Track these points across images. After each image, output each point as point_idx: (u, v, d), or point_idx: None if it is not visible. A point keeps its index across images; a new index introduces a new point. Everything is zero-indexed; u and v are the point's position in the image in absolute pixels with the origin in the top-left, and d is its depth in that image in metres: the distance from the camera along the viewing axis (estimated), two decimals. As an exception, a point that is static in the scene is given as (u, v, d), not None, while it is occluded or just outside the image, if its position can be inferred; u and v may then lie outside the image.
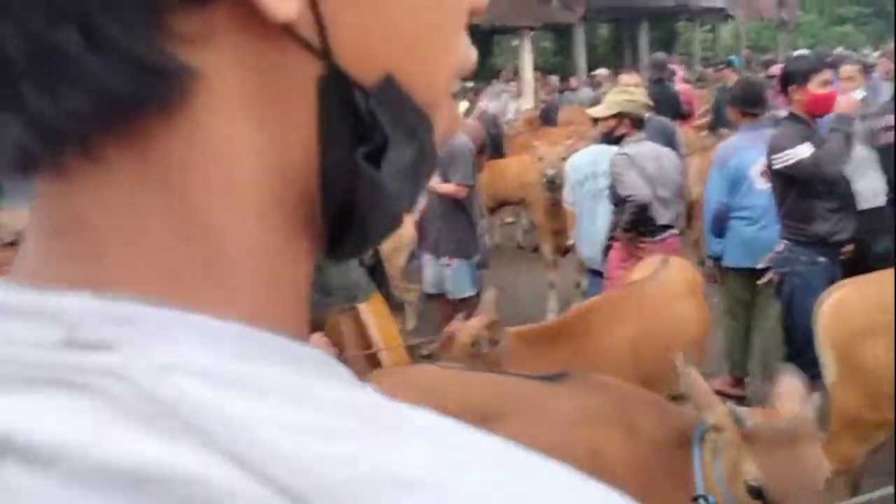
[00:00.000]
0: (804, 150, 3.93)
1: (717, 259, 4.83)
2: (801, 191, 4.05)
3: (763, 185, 4.53)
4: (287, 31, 0.34)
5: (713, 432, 2.05)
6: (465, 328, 3.26)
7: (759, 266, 4.46)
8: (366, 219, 0.37)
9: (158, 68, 0.32)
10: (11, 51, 0.31)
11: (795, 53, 11.09)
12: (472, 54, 0.43)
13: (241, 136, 0.35)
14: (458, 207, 5.11)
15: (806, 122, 4.13)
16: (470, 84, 13.03)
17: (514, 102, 13.19)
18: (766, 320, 4.68)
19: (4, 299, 0.34)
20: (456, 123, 0.44)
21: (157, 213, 0.34)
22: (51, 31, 0.31)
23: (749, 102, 4.83)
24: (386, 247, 4.79)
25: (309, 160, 0.36)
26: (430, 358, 4.47)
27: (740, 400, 4.37)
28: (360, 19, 0.36)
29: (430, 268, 5.36)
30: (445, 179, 5.00)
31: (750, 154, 4.61)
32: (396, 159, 0.37)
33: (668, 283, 3.77)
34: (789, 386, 2.09)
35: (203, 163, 0.34)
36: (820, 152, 3.95)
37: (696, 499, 2.04)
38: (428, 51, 0.39)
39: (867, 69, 5.43)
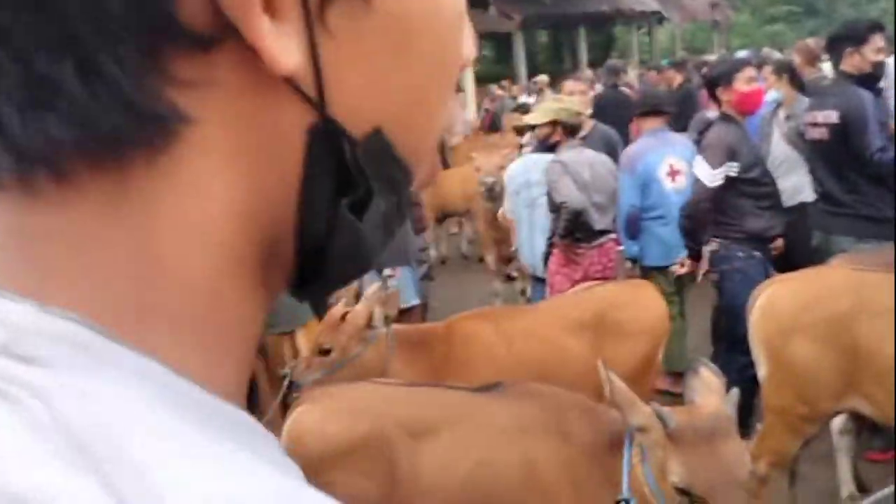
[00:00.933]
0: (717, 179, 4.08)
1: (634, 260, 4.96)
2: (731, 192, 4.16)
3: (671, 185, 4.77)
4: (287, 82, 0.34)
5: (639, 434, 2.09)
6: (355, 313, 3.26)
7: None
8: (337, 265, 0.38)
9: (149, 112, 0.32)
10: (1, 75, 0.31)
11: (736, 54, 11.32)
12: (456, 112, 0.44)
13: (221, 182, 0.35)
14: None
15: (737, 121, 4.25)
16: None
17: (461, 113, 13.20)
18: (696, 311, 4.85)
19: None
20: (435, 174, 0.45)
21: (119, 245, 0.34)
22: (49, 62, 0.31)
23: (652, 107, 5.07)
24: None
25: (287, 206, 0.36)
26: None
27: (680, 396, 4.44)
28: (359, 76, 0.36)
29: (372, 284, 5.35)
30: None
31: (656, 156, 4.83)
32: (377, 210, 0.38)
33: (549, 311, 3.76)
34: (705, 379, 2.15)
35: (177, 205, 0.34)
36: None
37: (619, 502, 2.08)
38: (420, 109, 0.40)
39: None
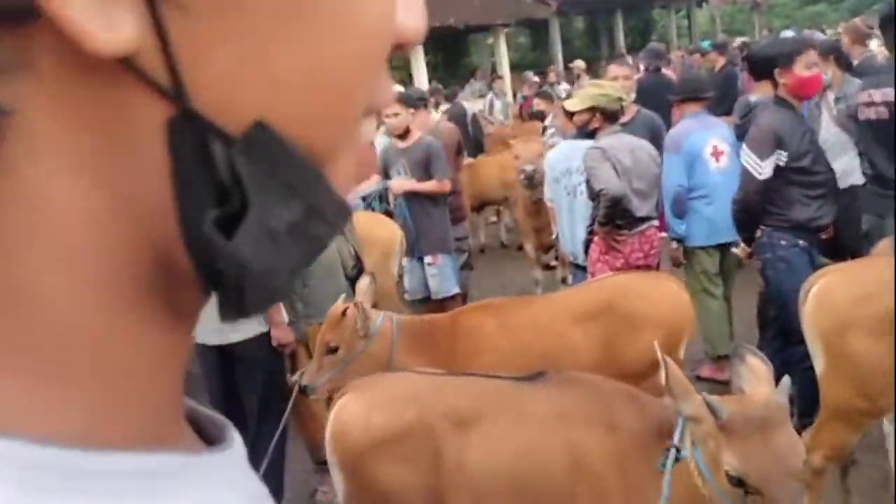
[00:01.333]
0: (766, 170, 3.97)
1: (681, 241, 4.93)
2: (779, 181, 4.04)
3: (715, 165, 4.80)
4: (126, 65, 0.28)
5: (691, 424, 2.05)
6: (351, 311, 3.30)
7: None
8: (231, 289, 0.30)
9: None
10: None
11: (781, 35, 11.12)
12: (386, 90, 0.36)
13: (67, 187, 0.29)
14: (435, 204, 5.16)
15: (792, 106, 4.05)
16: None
17: (499, 101, 13.18)
18: (740, 299, 4.81)
19: None
20: (353, 169, 0.36)
21: None
22: None
23: (692, 92, 5.08)
24: (374, 254, 4.78)
25: (170, 217, 0.30)
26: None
27: (725, 385, 4.38)
28: (229, 55, 0.30)
29: (413, 273, 5.36)
30: (422, 180, 5.08)
31: (701, 136, 4.85)
32: (264, 222, 0.30)
33: (557, 302, 3.73)
34: (752, 366, 2.10)
35: (22, 221, 0.29)
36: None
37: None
38: (323, 93, 0.32)
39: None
